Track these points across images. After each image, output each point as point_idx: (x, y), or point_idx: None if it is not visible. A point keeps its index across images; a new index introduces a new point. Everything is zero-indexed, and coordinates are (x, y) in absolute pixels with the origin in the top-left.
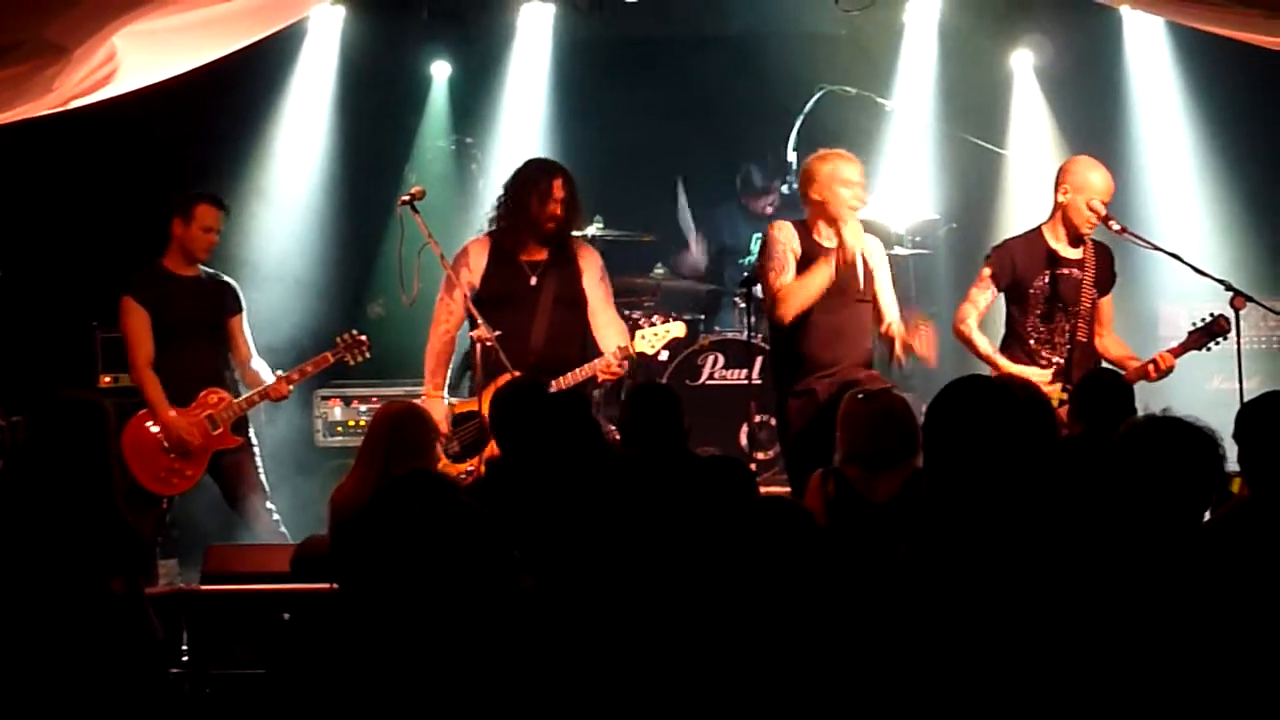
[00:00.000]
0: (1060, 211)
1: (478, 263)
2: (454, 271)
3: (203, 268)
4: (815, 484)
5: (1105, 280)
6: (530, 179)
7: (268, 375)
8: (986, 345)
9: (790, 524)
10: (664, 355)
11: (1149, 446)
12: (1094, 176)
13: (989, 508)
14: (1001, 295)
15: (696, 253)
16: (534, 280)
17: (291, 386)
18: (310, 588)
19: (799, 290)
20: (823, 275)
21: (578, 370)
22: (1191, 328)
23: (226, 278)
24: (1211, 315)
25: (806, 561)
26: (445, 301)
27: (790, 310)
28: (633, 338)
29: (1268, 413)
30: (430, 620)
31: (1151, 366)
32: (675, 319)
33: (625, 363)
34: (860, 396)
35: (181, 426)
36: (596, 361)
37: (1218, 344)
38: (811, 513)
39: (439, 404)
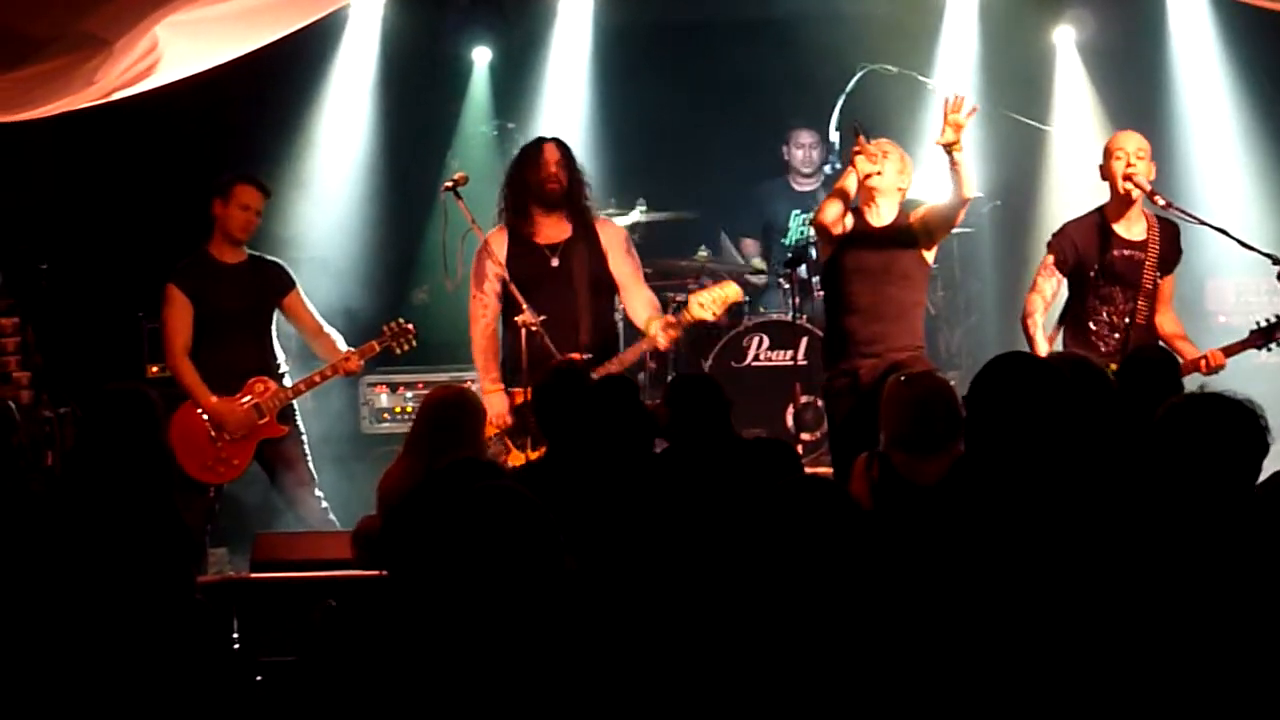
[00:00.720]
0: (1111, 188)
1: (499, 251)
2: (479, 265)
3: (249, 251)
4: (860, 467)
5: (1170, 258)
6: (521, 156)
7: (341, 343)
8: (1045, 350)
9: (824, 501)
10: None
11: (1191, 424)
12: (1122, 137)
13: (1032, 486)
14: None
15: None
16: (555, 261)
17: (363, 361)
18: (359, 574)
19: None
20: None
21: (624, 354)
22: (1253, 327)
23: (272, 258)
24: (1276, 317)
25: (841, 539)
26: (478, 298)
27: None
28: (688, 305)
29: None
30: (477, 603)
31: (1203, 362)
32: (727, 280)
33: (671, 332)
34: (903, 380)
35: (226, 410)
36: (642, 343)
37: (1277, 345)
38: (846, 491)
39: (500, 397)
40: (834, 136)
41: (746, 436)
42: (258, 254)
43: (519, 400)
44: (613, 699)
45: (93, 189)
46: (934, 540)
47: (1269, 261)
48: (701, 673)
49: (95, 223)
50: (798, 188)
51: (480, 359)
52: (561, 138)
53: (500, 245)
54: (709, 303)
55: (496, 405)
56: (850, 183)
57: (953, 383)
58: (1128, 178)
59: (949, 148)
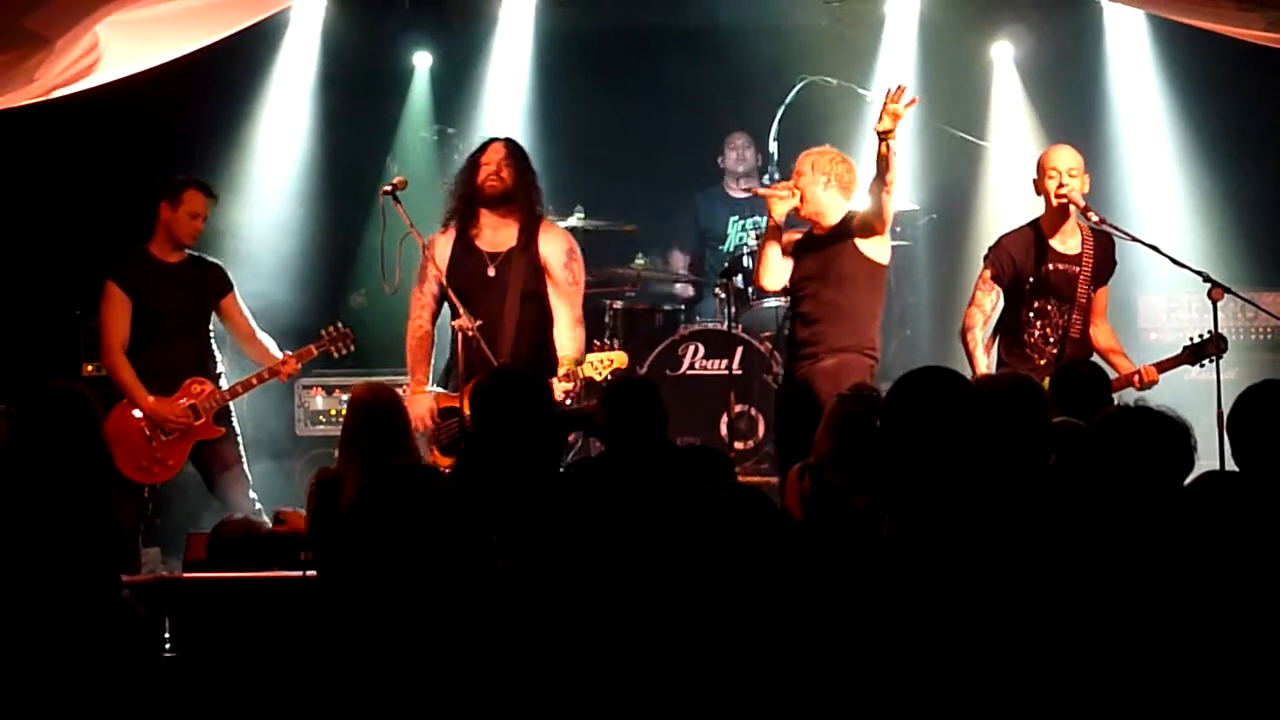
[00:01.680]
0: (1045, 203)
1: (443, 253)
2: (423, 264)
3: (189, 251)
4: (792, 478)
5: (1104, 271)
6: (470, 155)
7: (274, 349)
8: (984, 365)
9: (748, 509)
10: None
11: (1122, 437)
12: (1055, 154)
13: (948, 500)
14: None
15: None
16: (492, 271)
17: (300, 364)
18: (292, 575)
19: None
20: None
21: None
22: (1187, 343)
23: (211, 259)
24: (1208, 333)
25: (764, 546)
26: (417, 295)
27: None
28: (584, 362)
29: (1262, 401)
30: (410, 602)
31: (1137, 378)
32: (616, 348)
33: (568, 385)
34: (836, 400)
35: (162, 409)
36: (551, 381)
37: (1210, 362)
38: (769, 499)
39: (424, 399)
40: (773, 147)
41: (681, 445)
42: (198, 254)
43: (450, 403)
44: (542, 699)
45: (28, 187)
46: (860, 553)
47: (1200, 279)
48: (627, 675)
49: (32, 221)
50: (733, 194)
51: (409, 358)
52: (515, 140)
53: (444, 248)
54: (598, 363)
55: (419, 407)
56: (770, 240)
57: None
58: (1060, 196)
59: (883, 135)
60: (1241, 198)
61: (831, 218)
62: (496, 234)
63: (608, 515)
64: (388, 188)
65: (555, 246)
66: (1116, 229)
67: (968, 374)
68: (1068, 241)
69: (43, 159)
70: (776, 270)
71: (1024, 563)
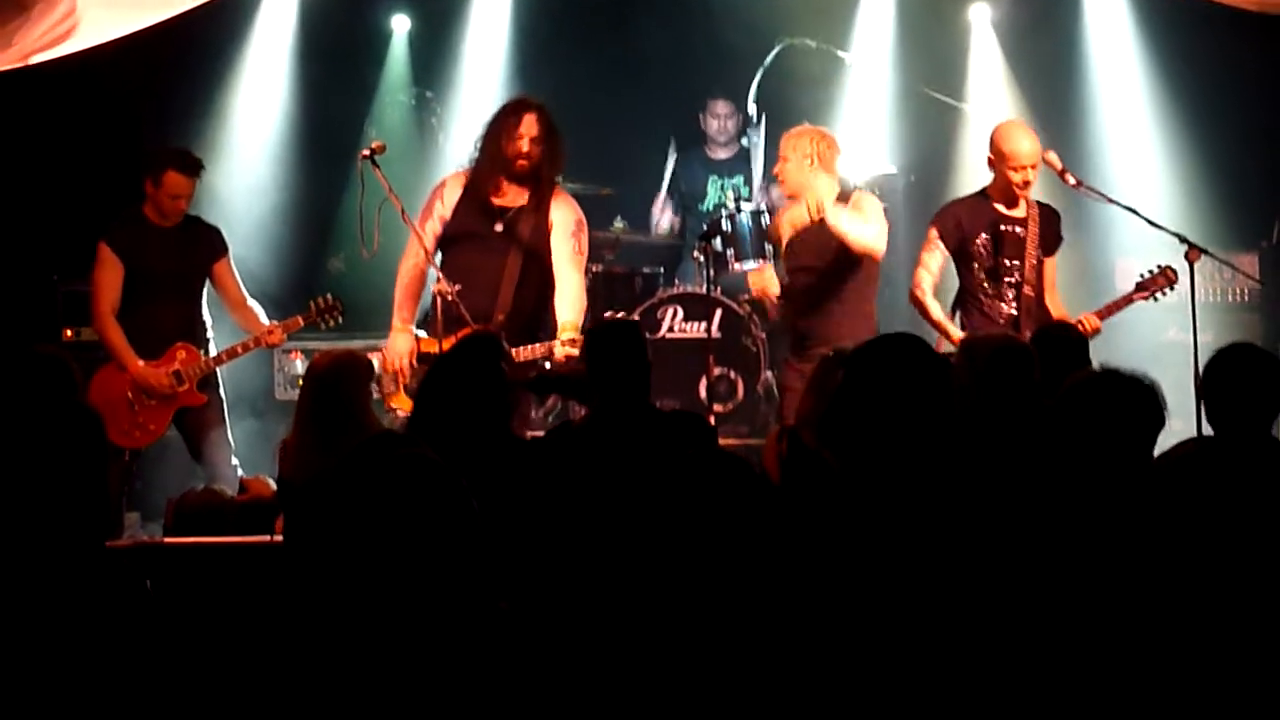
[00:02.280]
0: (997, 178)
1: (451, 196)
2: (430, 202)
3: (187, 212)
4: (771, 441)
5: (1050, 241)
6: (500, 115)
7: (263, 317)
8: (939, 312)
9: (728, 475)
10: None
11: (1091, 399)
12: (1013, 146)
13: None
14: (951, 258)
15: (660, 214)
16: (499, 226)
17: (283, 336)
18: (272, 540)
19: None
20: None
21: (535, 346)
22: (1139, 279)
23: (209, 223)
24: (1158, 267)
25: (745, 512)
26: (418, 236)
27: None
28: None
29: (1232, 364)
30: (388, 572)
31: (1081, 326)
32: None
33: (571, 351)
34: (823, 358)
35: (149, 376)
36: (540, 346)
37: (1164, 295)
38: (750, 464)
39: (406, 337)
40: (752, 109)
41: (662, 409)
42: (195, 215)
43: (431, 349)
44: (524, 669)
45: (5, 153)
46: (837, 518)
47: (1177, 240)
48: (610, 640)
49: (9, 186)
50: (713, 156)
51: (399, 294)
52: (545, 107)
53: (455, 190)
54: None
55: (400, 345)
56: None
57: None
58: (1022, 193)
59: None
60: (1218, 160)
61: (823, 196)
62: (509, 190)
63: (589, 483)
64: (366, 152)
65: (566, 214)
66: (1094, 191)
67: (930, 332)
68: (1013, 208)
69: (19, 124)
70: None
71: (992, 522)
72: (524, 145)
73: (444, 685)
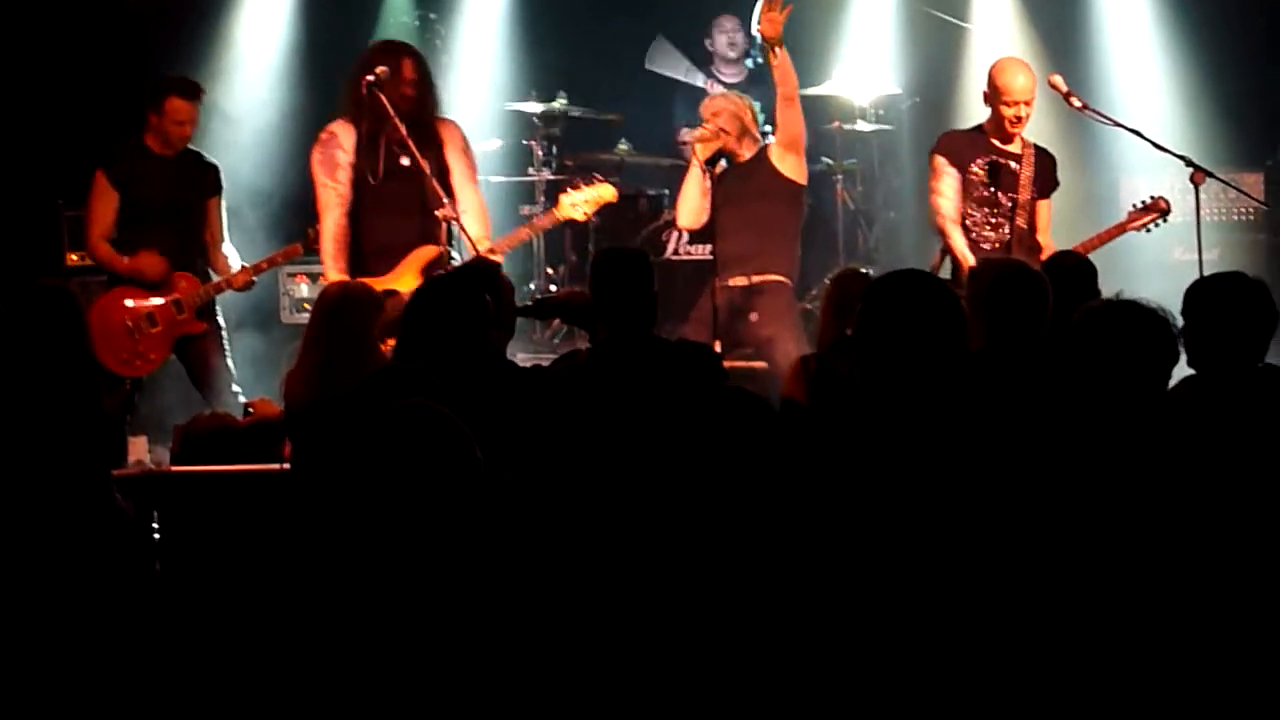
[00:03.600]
0: (993, 115)
1: (347, 142)
2: (328, 154)
3: (189, 146)
4: (798, 366)
5: (1044, 183)
6: (365, 63)
7: (236, 261)
8: (961, 242)
9: (745, 416)
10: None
11: (1106, 330)
12: (1006, 80)
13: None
14: None
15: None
16: (405, 160)
17: (255, 278)
18: (279, 468)
19: None
20: None
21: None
22: (1131, 209)
23: (210, 158)
24: (1150, 199)
25: (759, 456)
26: (330, 187)
27: None
28: (558, 203)
29: (1213, 294)
30: (391, 522)
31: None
32: (602, 181)
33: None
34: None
35: (141, 263)
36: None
37: (1157, 225)
38: (764, 401)
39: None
40: (755, 31)
41: (668, 339)
42: (196, 151)
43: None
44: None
45: (5, 78)
46: (867, 439)
47: (1182, 163)
48: (620, 583)
49: (11, 112)
50: (724, 78)
51: (332, 247)
52: (411, 48)
53: (348, 136)
54: (580, 203)
55: None
56: (694, 176)
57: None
58: (1014, 131)
59: (770, 42)
60: (1223, 80)
61: (747, 153)
62: (399, 127)
63: (597, 420)
64: (370, 78)
65: (453, 134)
66: (1099, 114)
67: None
68: (1009, 145)
69: (24, 51)
70: (698, 209)
71: (1010, 453)
72: (409, 90)
73: (448, 624)
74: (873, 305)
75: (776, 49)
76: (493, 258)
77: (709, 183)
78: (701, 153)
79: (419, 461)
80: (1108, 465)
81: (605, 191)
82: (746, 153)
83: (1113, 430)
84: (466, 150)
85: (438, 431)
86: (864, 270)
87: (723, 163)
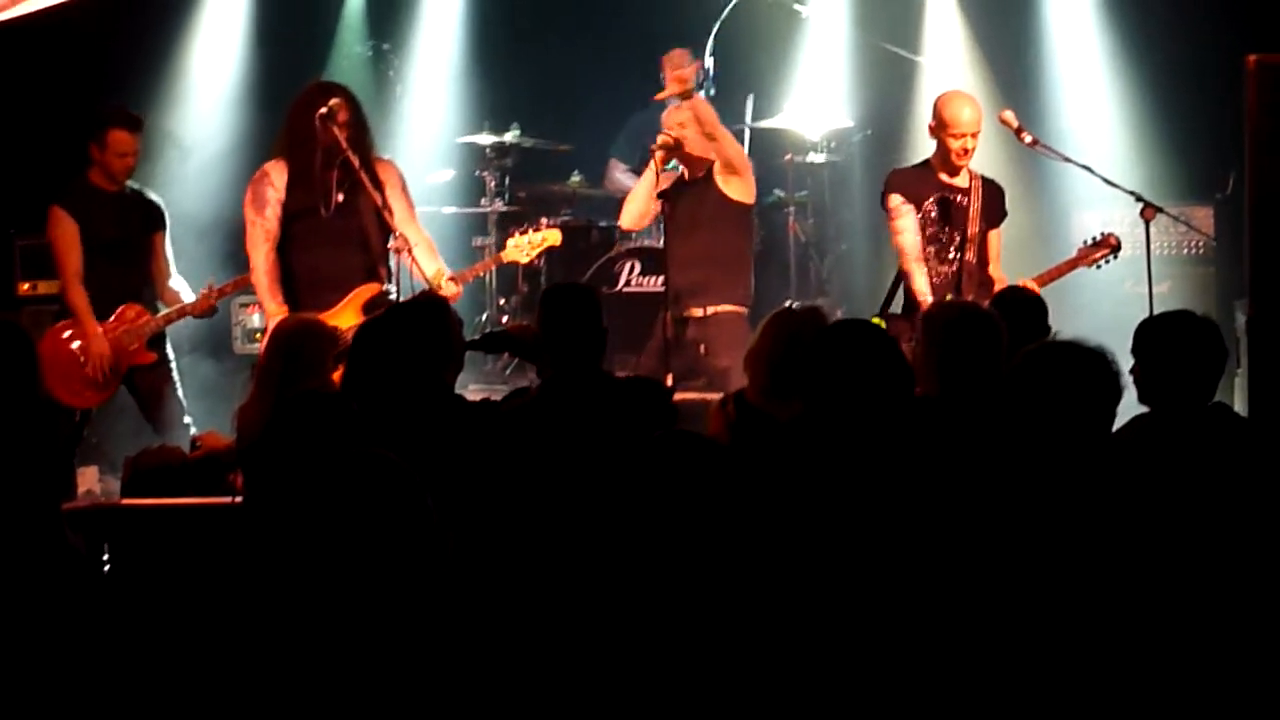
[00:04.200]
0: (939, 148)
1: (279, 180)
2: (258, 192)
3: (130, 184)
4: (716, 408)
5: (993, 214)
6: (311, 99)
7: (187, 294)
8: (923, 284)
9: (693, 461)
10: (539, 262)
11: (1045, 373)
12: (952, 112)
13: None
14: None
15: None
16: (340, 196)
17: (216, 302)
18: (230, 501)
19: None
20: None
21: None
22: (1082, 245)
23: (152, 194)
24: (1100, 235)
25: (711, 500)
26: (258, 223)
27: None
28: (504, 247)
29: (1164, 333)
30: (342, 567)
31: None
32: (551, 225)
33: (456, 288)
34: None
35: (102, 344)
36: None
37: (1107, 263)
38: (718, 445)
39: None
40: (709, 63)
41: (619, 372)
42: (138, 188)
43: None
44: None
45: None
46: (791, 476)
47: (1133, 199)
48: (570, 628)
49: None
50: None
51: (266, 280)
52: (348, 87)
53: (280, 175)
54: (525, 245)
55: None
56: (648, 179)
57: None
58: (960, 164)
59: (680, 98)
60: (1173, 113)
61: (702, 166)
62: (337, 166)
63: (546, 461)
64: (323, 110)
65: (392, 171)
66: (1050, 149)
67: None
68: (956, 178)
69: None
70: (641, 212)
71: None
72: (340, 124)
73: (397, 664)
74: (819, 357)
75: (686, 100)
76: (445, 291)
77: (665, 185)
78: (659, 159)
79: (371, 511)
80: (1056, 508)
81: (551, 236)
82: (698, 168)
83: (1060, 472)
84: (405, 189)
85: (390, 481)
86: (793, 305)
87: (674, 168)
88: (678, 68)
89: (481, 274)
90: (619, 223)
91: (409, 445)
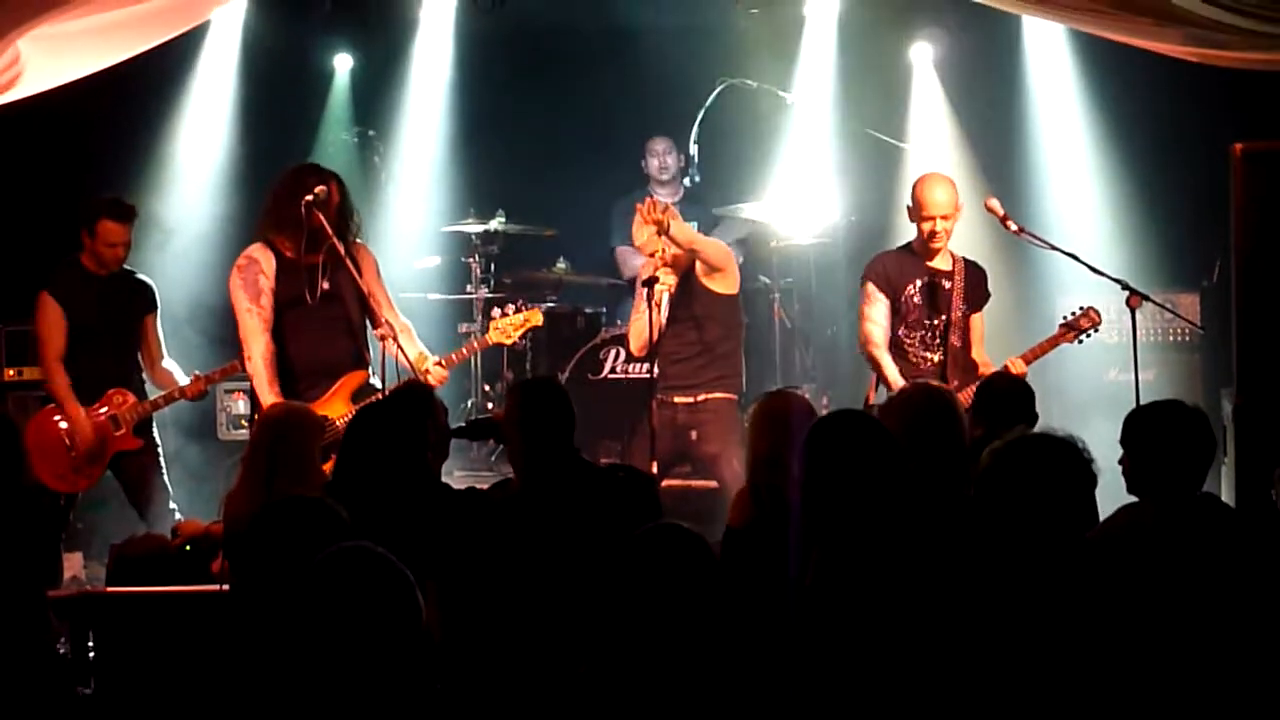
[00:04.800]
0: (916, 228)
1: (269, 267)
2: (252, 279)
3: (123, 266)
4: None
5: (976, 297)
6: (298, 183)
7: (180, 376)
8: (892, 369)
9: (681, 556)
10: (522, 344)
11: (1016, 470)
12: (924, 194)
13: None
14: None
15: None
16: (327, 284)
17: (208, 387)
18: (216, 589)
19: None
20: None
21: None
22: (1062, 320)
23: (143, 277)
24: (1081, 309)
25: (698, 596)
26: (255, 311)
27: None
28: (487, 329)
29: (1153, 423)
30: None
31: (1007, 369)
32: (533, 307)
33: (442, 373)
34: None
35: (87, 428)
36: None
37: (1089, 335)
38: (700, 540)
39: None
40: (693, 150)
41: (604, 460)
42: (130, 270)
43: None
44: None
45: None
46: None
47: (1119, 286)
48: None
49: None
50: (660, 197)
51: (267, 373)
52: (336, 173)
53: (269, 262)
54: (507, 327)
55: None
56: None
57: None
58: (934, 246)
59: (659, 235)
60: (1159, 201)
61: (686, 262)
62: (322, 252)
63: (527, 552)
64: (310, 197)
65: (369, 260)
66: (1035, 237)
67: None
68: (939, 261)
69: None
70: (648, 340)
71: (943, 602)
72: (333, 213)
73: None
74: (813, 449)
75: (664, 236)
76: (431, 377)
77: (660, 317)
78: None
79: (360, 608)
80: (1043, 604)
81: (534, 317)
82: (681, 266)
83: (1044, 566)
84: (380, 275)
85: (381, 579)
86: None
87: (662, 281)
88: (651, 212)
89: (467, 357)
90: (631, 348)
91: (395, 533)
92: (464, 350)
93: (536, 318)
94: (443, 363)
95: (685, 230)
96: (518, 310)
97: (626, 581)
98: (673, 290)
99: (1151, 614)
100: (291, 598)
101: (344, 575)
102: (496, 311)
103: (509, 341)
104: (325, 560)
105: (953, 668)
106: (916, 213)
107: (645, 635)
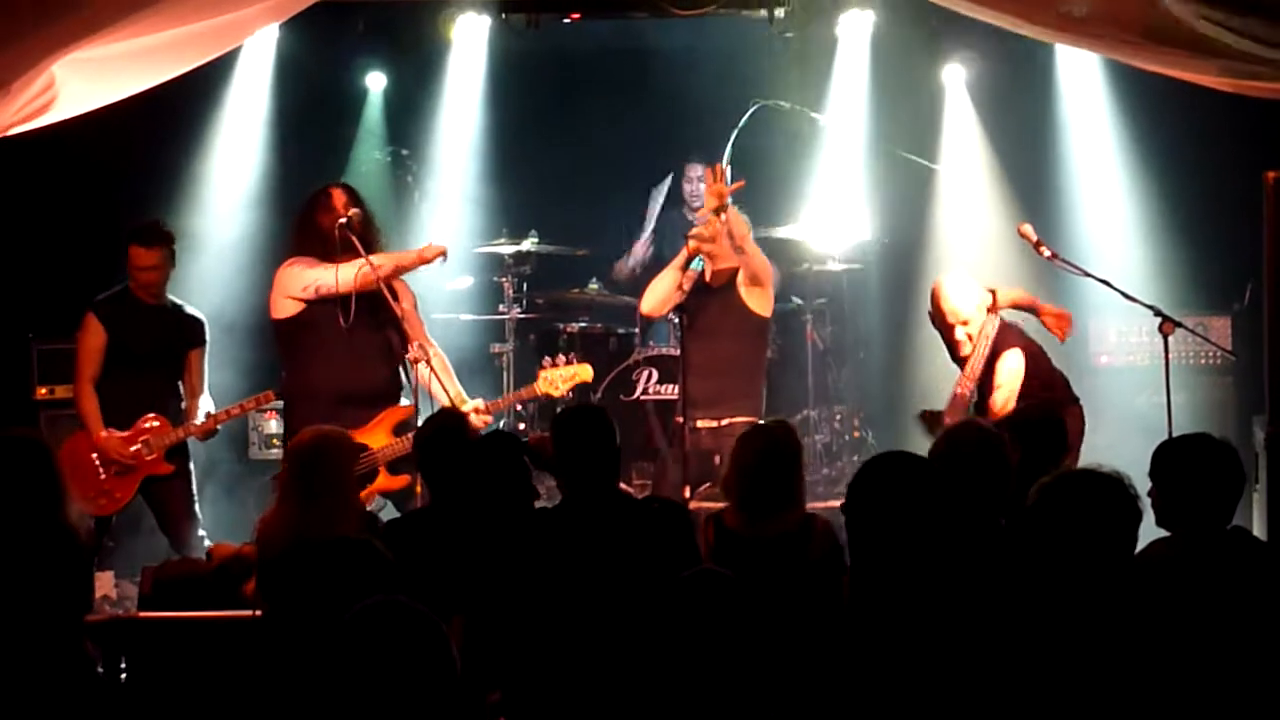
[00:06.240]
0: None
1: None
2: (300, 274)
3: (170, 297)
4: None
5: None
6: (313, 196)
7: (206, 412)
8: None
9: (720, 601)
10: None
11: (1063, 505)
12: (947, 297)
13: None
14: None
15: (639, 254)
16: (354, 303)
17: (218, 425)
18: (247, 614)
19: None
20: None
21: (507, 396)
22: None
23: (194, 312)
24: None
25: (737, 639)
26: (315, 285)
27: None
28: (537, 378)
29: (1182, 456)
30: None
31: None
32: (582, 361)
33: (484, 419)
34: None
35: (113, 446)
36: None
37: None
38: (739, 584)
39: None
40: (727, 171)
41: (637, 481)
42: (180, 303)
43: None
44: None
45: None
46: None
47: (1151, 312)
48: None
49: None
50: (691, 219)
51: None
52: (351, 185)
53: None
54: (557, 379)
55: None
56: (677, 264)
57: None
58: (962, 355)
59: (715, 212)
60: (1190, 224)
61: (728, 275)
62: (352, 267)
63: (562, 584)
64: (342, 220)
65: (406, 291)
66: (1068, 264)
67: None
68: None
69: None
70: (664, 299)
71: (984, 634)
72: (341, 212)
73: None
74: (860, 489)
75: (722, 214)
76: (474, 422)
77: (686, 285)
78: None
79: (390, 664)
80: (1085, 638)
81: (583, 372)
82: (723, 277)
83: (1088, 601)
84: (417, 308)
85: (414, 634)
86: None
87: (697, 265)
88: (718, 181)
89: (512, 404)
90: (640, 307)
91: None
92: (510, 398)
93: (586, 373)
94: (489, 409)
95: (741, 224)
96: (569, 362)
97: (666, 629)
98: (708, 273)
99: (1183, 648)
100: (325, 647)
101: (377, 630)
102: (547, 360)
103: (556, 394)
104: (360, 614)
105: (988, 700)
106: (940, 323)
107: (682, 681)
